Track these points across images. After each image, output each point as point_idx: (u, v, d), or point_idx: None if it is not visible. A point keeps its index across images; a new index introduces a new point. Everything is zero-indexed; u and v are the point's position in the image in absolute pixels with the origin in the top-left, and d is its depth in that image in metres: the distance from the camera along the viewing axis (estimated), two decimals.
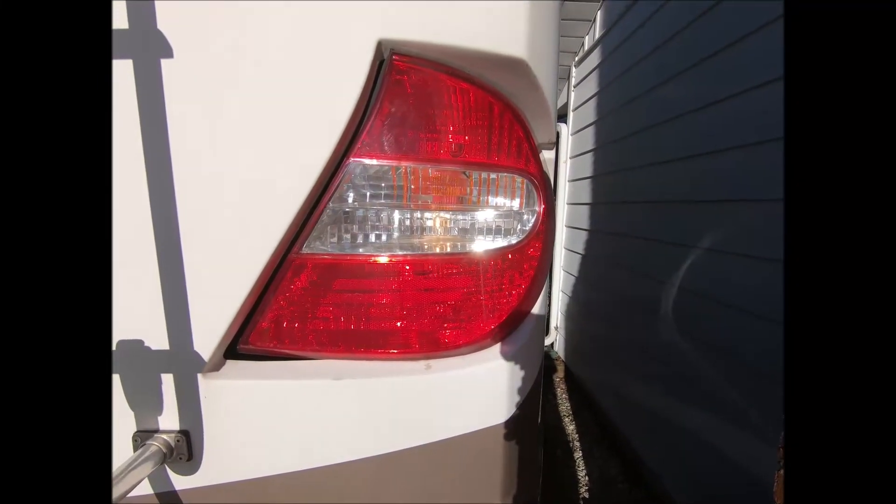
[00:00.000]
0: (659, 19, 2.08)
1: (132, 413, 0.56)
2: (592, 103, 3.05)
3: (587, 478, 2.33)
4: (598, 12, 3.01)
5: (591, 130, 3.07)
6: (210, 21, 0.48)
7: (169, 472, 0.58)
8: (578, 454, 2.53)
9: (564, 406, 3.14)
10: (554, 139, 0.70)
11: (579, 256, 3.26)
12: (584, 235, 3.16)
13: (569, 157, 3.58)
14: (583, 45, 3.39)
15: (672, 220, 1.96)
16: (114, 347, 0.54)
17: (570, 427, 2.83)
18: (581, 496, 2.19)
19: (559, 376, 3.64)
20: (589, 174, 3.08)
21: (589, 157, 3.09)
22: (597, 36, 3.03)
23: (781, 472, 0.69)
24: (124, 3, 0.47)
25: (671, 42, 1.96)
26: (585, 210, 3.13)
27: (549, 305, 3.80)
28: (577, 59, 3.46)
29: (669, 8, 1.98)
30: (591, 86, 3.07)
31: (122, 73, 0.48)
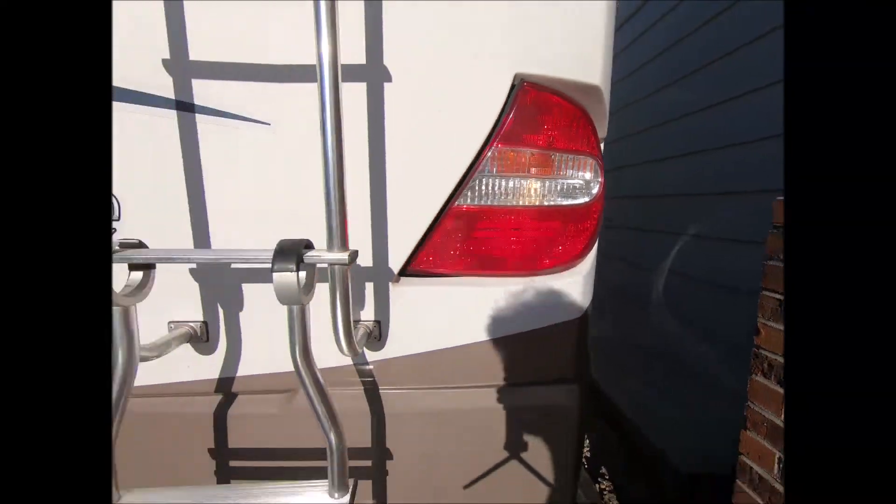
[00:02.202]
0: (666, 23, 2.38)
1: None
2: None
3: (587, 441, 2.61)
4: None
5: None
6: (414, 59, 0.79)
7: (365, 349, 0.89)
8: None
9: None
10: (606, 135, 1.02)
11: None
12: None
13: None
14: None
15: (667, 212, 2.30)
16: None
17: None
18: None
19: None
20: None
21: None
22: None
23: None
24: (363, 49, 0.77)
25: (676, 46, 2.27)
26: None
27: None
28: None
29: (676, 13, 2.28)
30: None
31: (359, 92, 0.79)
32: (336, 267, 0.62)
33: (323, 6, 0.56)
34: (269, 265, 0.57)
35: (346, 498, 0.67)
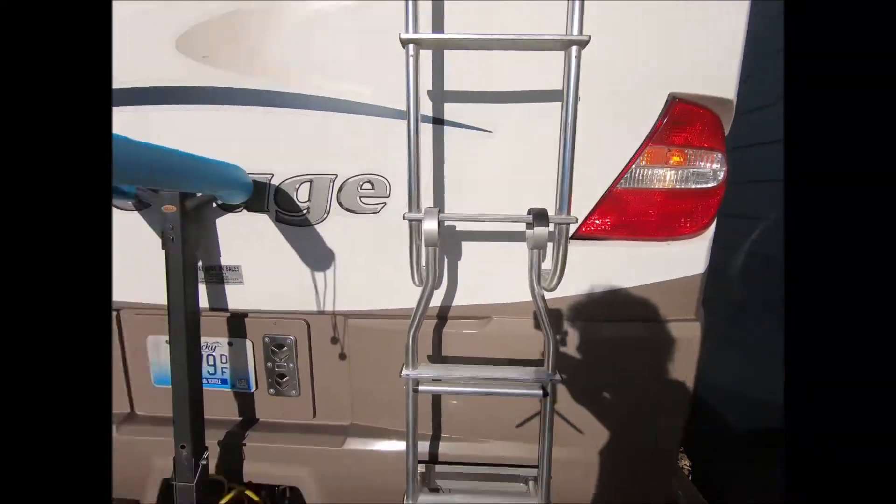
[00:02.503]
0: None
1: None
2: None
3: None
4: None
5: None
6: (597, 84, 1.11)
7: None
8: None
9: None
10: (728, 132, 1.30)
11: None
12: None
13: None
14: None
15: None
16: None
17: None
18: None
19: None
20: None
21: None
22: None
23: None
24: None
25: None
26: None
27: None
28: None
29: None
30: None
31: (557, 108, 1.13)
32: (563, 226, 0.98)
33: (573, 62, 0.91)
34: (526, 223, 0.94)
35: (558, 375, 1.04)
